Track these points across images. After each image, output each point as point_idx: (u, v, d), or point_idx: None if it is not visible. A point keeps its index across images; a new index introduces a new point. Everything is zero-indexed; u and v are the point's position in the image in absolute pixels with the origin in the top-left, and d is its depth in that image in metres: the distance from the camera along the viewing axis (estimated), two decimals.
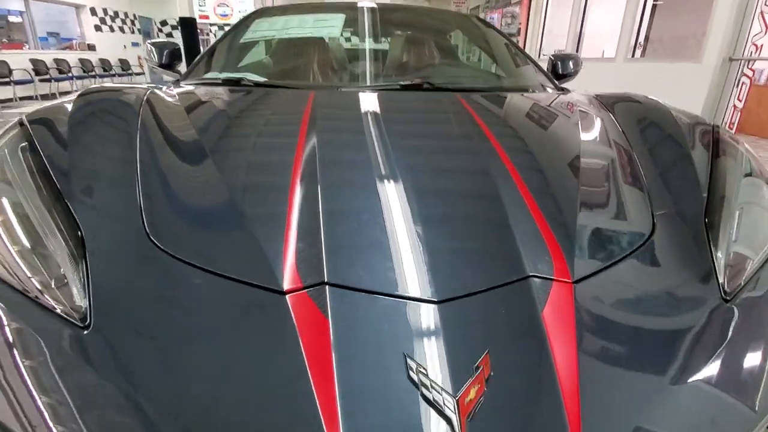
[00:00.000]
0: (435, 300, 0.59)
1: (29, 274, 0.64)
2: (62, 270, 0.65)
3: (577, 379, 0.52)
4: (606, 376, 0.55)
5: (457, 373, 0.51)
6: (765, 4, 4.08)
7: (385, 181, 0.83)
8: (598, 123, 1.16)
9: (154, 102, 1.14)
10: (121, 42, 11.90)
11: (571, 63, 1.95)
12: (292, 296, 0.59)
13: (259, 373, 0.53)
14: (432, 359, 0.53)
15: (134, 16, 12.47)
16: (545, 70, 1.86)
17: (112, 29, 11.62)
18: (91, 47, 10.85)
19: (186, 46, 6.88)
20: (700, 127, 1.07)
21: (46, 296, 0.61)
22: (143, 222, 0.73)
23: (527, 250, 0.68)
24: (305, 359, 0.53)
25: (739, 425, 0.54)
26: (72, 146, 0.87)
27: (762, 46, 4.27)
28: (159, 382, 0.53)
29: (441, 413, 0.48)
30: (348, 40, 1.98)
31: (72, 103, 1.02)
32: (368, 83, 1.55)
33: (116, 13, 11.72)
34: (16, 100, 8.21)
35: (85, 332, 0.57)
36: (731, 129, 4.44)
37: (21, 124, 0.92)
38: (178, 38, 8.60)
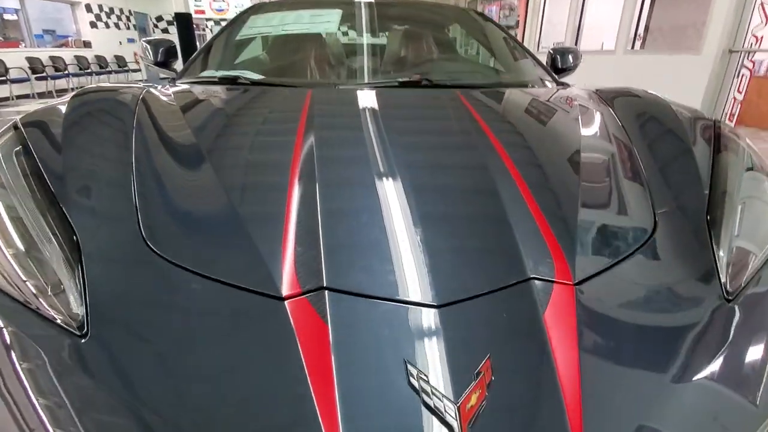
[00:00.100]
0: (435, 304, 0.58)
1: (26, 281, 0.63)
2: (58, 276, 0.64)
3: (579, 383, 0.52)
4: (608, 379, 0.55)
5: (458, 379, 0.51)
6: None
7: (384, 181, 0.82)
8: (597, 118, 1.15)
9: (149, 102, 1.12)
10: (116, 38, 11.81)
11: (570, 57, 1.94)
12: (291, 302, 0.59)
13: (259, 380, 0.52)
14: (433, 365, 0.52)
15: (129, 12, 12.37)
16: (544, 63, 1.84)
17: (107, 26, 11.53)
18: (87, 44, 10.78)
19: (182, 42, 6.81)
20: (701, 122, 1.06)
21: (42, 302, 0.61)
22: (139, 226, 0.72)
23: (528, 251, 0.67)
24: (305, 366, 0.52)
25: (743, 428, 0.54)
26: (67, 149, 0.86)
27: (762, 37, 4.24)
28: (158, 390, 0.52)
29: (442, 420, 0.47)
30: (345, 34, 1.97)
31: (66, 105, 1.01)
32: (366, 80, 1.54)
33: (111, 10, 11.62)
34: (12, 99, 8.17)
35: (83, 341, 0.56)
36: (731, 121, 4.43)
37: (15, 127, 0.91)
38: (174, 34, 8.53)
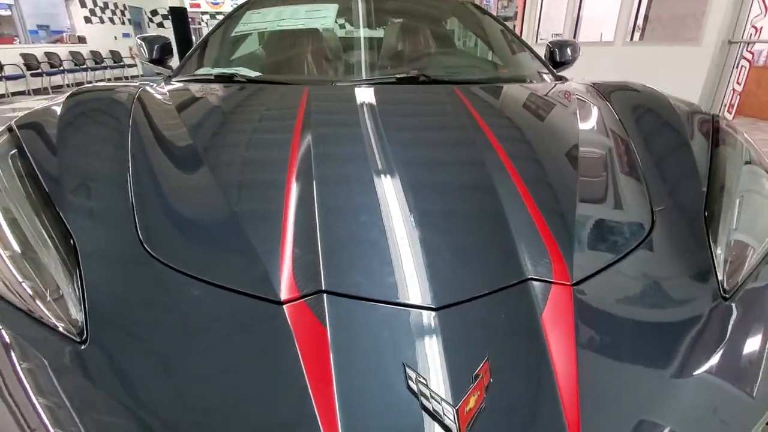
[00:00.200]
0: (433, 307, 0.58)
1: (25, 287, 0.63)
2: (57, 282, 0.64)
3: (577, 384, 0.52)
4: (605, 380, 0.55)
5: (456, 382, 0.51)
6: None
7: (382, 181, 0.82)
8: (595, 113, 1.15)
9: (145, 102, 1.12)
10: (111, 33, 11.72)
11: (569, 50, 1.92)
12: (289, 306, 0.59)
13: (258, 385, 0.52)
14: (431, 368, 0.52)
15: (124, 6, 12.26)
16: (543, 56, 1.83)
17: (102, 20, 11.44)
18: (82, 39, 10.69)
19: (177, 37, 6.75)
20: (699, 116, 1.06)
21: (43, 308, 0.61)
22: (137, 229, 0.72)
23: (525, 250, 0.67)
24: (304, 370, 0.52)
25: (741, 426, 0.54)
26: (62, 151, 0.85)
27: (762, 28, 4.21)
28: (158, 395, 0.52)
29: (441, 423, 0.48)
30: (342, 26, 1.95)
31: (61, 106, 1.00)
32: (364, 76, 1.53)
33: (105, 4, 11.52)
34: (8, 96, 8.11)
35: (83, 347, 0.57)
36: (730, 112, 4.41)
37: (10, 129, 0.91)
38: (169, 28, 8.44)
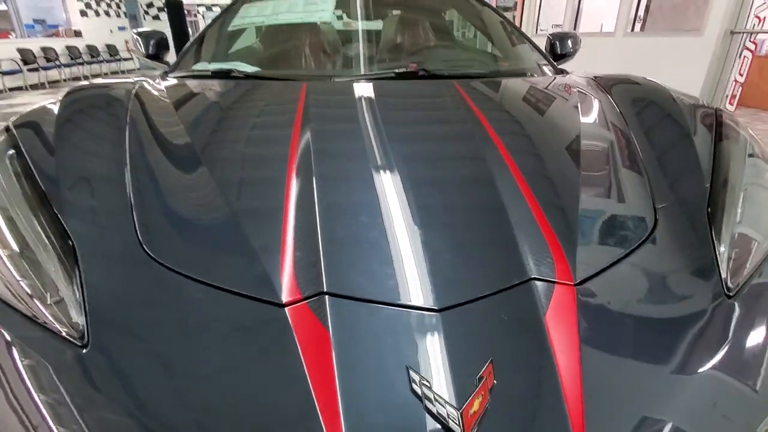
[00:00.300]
0: (436, 308, 0.58)
1: (26, 291, 0.62)
2: (57, 285, 0.63)
3: (581, 385, 0.52)
4: (610, 381, 0.54)
5: (460, 385, 0.50)
6: None
7: (382, 178, 0.81)
8: (596, 107, 1.14)
9: (142, 99, 1.11)
10: (107, 27, 11.61)
11: (569, 42, 1.91)
12: (291, 308, 0.58)
13: (261, 388, 0.52)
14: (435, 370, 0.52)
15: None
16: (543, 48, 1.81)
17: (97, 13, 11.33)
18: (78, 33, 10.60)
19: (173, 29, 6.69)
20: (701, 110, 1.04)
21: (45, 312, 0.60)
22: (136, 230, 0.71)
23: (528, 250, 0.66)
24: (306, 372, 0.52)
25: (747, 425, 0.54)
26: (60, 151, 0.84)
27: (765, 18, 4.17)
28: (160, 398, 0.52)
29: (445, 427, 0.47)
30: (340, 18, 1.93)
31: (59, 105, 1.00)
32: (362, 71, 1.51)
33: None
34: (6, 91, 8.06)
35: (84, 351, 0.56)
36: (732, 103, 4.38)
37: (7, 129, 0.90)
38: (165, 20, 8.34)
